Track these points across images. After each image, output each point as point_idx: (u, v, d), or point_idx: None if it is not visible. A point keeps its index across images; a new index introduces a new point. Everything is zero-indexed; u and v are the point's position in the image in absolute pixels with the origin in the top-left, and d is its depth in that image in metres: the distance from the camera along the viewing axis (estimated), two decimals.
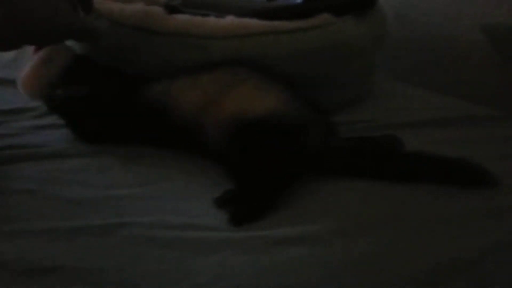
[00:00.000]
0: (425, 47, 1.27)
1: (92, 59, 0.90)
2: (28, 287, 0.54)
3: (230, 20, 0.93)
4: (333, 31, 0.93)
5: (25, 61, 1.21)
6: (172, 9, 1.17)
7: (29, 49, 1.23)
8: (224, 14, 0.99)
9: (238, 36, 0.89)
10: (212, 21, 0.92)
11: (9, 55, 1.25)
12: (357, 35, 0.96)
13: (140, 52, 0.89)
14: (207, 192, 0.71)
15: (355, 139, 0.81)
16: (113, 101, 0.84)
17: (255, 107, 0.75)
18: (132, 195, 0.71)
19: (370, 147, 0.79)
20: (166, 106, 0.81)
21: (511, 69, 1.08)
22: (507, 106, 1.08)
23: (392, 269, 0.57)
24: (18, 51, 1.27)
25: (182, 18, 0.92)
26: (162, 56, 0.89)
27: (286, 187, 0.71)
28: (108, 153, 0.82)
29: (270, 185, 0.70)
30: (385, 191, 0.72)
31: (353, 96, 1.02)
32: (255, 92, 0.78)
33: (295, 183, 0.72)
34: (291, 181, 0.72)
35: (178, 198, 0.71)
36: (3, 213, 0.66)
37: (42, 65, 0.89)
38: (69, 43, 0.92)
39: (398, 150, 0.81)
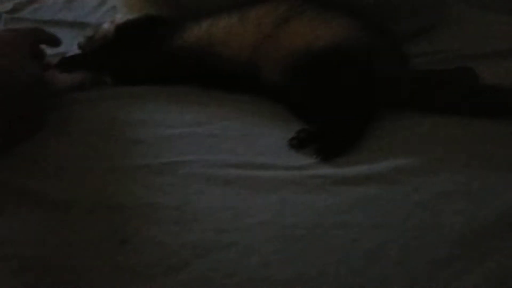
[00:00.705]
0: None
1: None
2: (94, 224, 0.55)
3: None
4: None
5: (82, 3, 1.23)
6: None
7: None
8: None
9: None
10: None
11: None
12: None
13: None
14: (264, 131, 0.69)
15: (427, 71, 0.75)
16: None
17: (318, 39, 0.70)
18: (191, 134, 0.70)
19: (442, 79, 0.73)
20: (209, 51, 0.77)
21: None
22: None
23: (471, 208, 0.53)
24: None
25: None
26: None
27: (365, 119, 0.68)
28: (160, 93, 0.81)
29: (349, 118, 0.67)
30: (455, 127, 0.67)
31: (425, 23, 0.93)
32: (315, 23, 0.72)
33: (373, 116, 0.69)
34: (368, 114, 0.69)
35: (236, 137, 0.69)
36: (72, 152, 0.67)
37: None
38: None
39: (471, 83, 0.74)
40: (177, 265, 0.50)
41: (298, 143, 0.66)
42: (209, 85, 0.79)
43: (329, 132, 0.66)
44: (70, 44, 1.02)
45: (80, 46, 0.88)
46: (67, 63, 0.83)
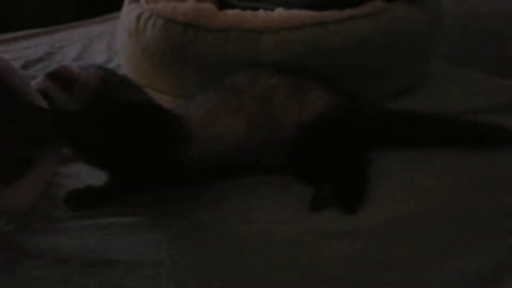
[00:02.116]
0: (485, 28, 1.20)
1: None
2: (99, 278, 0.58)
3: (280, 12, 0.93)
4: (384, 18, 0.91)
5: (88, 60, 1.30)
6: (224, 3, 1.21)
7: (92, 51, 1.30)
8: (273, 7, 1.00)
9: (289, 28, 0.89)
10: (262, 15, 0.93)
11: (72, 55, 1.32)
12: (409, 21, 0.93)
13: (192, 49, 0.91)
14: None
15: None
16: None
17: (307, 109, 0.77)
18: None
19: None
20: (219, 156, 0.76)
21: None
22: None
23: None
24: (82, 51, 1.35)
25: (232, 13, 0.94)
26: (215, 52, 0.91)
27: (367, 167, 0.76)
28: None
29: (356, 170, 0.75)
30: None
31: (406, 84, 0.99)
32: (297, 95, 0.78)
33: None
34: (367, 162, 0.77)
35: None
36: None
37: None
38: None
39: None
40: None
41: (321, 204, 0.71)
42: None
43: (345, 188, 0.73)
44: None
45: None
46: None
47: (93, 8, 1.69)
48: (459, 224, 0.67)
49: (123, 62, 1.10)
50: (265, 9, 0.97)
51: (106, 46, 1.34)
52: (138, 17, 0.98)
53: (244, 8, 0.99)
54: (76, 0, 2.03)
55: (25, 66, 1.23)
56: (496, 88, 1.03)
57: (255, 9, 0.98)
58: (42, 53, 1.30)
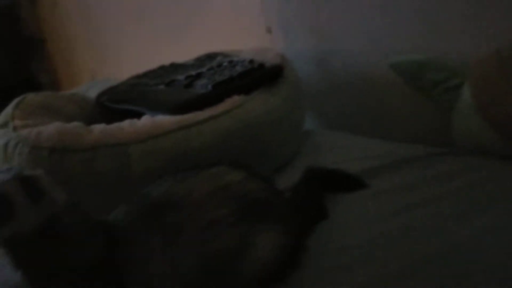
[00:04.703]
0: (348, 91, 1.31)
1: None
2: None
3: (144, 122, 0.97)
4: (243, 112, 0.97)
5: None
6: (101, 105, 1.23)
7: None
8: (143, 110, 1.04)
9: (154, 137, 0.92)
10: (127, 127, 0.96)
11: None
12: (267, 109, 1.00)
13: (60, 172, 0.92)
14: None
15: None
16: None
17: None
18: None
19: None
20: None
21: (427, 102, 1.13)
22: (439, 140, 1.11)
23: None
24: None
25: (98, 130, 0.95)
26: (84, 171, 0.91)
27: None
28: None
29: None
30: None
31: (280, 163, 1.05)
32: None
33: None
34: None
35: None
36: None
37: None
38: None
39: None
40: None
41: None
42: None
43: None
44: None
45: None
46: None
47: None
48: None
49: None
50: (132, 114, 1.00)
51: None
52: (5, 145, 0.97)
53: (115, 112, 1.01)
54: None
55: None
56: (368, 150, 1.10)
57: (124, 114, 1.01)
58: None
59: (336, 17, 1.27)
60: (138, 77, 1.31)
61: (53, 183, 0.67)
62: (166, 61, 1.36)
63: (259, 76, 1.04)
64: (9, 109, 1.08)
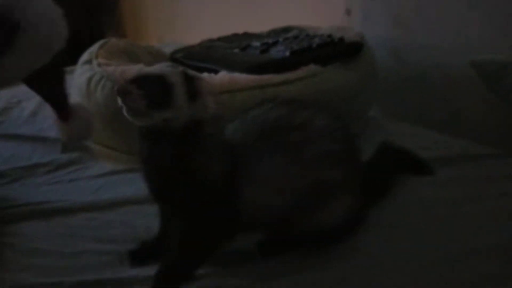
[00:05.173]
0: (421, 84, 1.30)
1: None
2: None
3: (221, 76, 1.00)
4: (318, 81, 0.98)
5: (44, 117, 1.33)
6: (175, 61, 1.28)
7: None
8: (220, 68, 1.07)
9: (229, 92, 0.95)
10: (205, 79, 0.99)
11: (29, 109, 1.35)
12: (342, 83, 1.01)
13: None
14: None
15: None
16: None
17: None
18: None
19: None
20: None
21: (503, 106, 1.10)
22: (503, 142, 1.09)
23: None
24: (39, 106, 1.38)
25: None
26: None
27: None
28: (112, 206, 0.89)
29: None
30: None
31: None
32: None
33: None
34: None
35: None
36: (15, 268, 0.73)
37: None
38: None
39: None
40: None
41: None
42: None
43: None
44: (29, 158, 1.11)
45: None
46: None
47: None
48: None
49: None
50: (209, 71, 1.04)
51: None
52: (89, 79, 1.03)
53: (189, 69, 1.05)
54: None
55: None
56: (430, 142, 1.10)
57: (200, 70, 1.04)
58: None
59: (421, 9, 1.26)
60: (212, 40, 1.35)
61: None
62: (237, 31, 1.38)
63: (338, 50, 1.05)
64: (94, 48, 1.14)
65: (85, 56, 1.13)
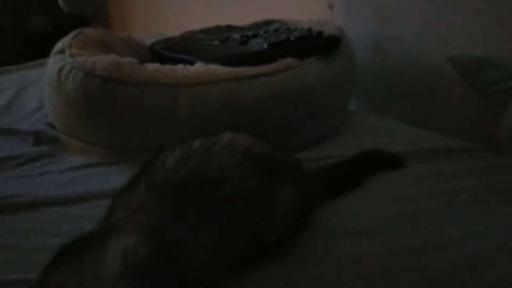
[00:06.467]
0: (402, 79, 1.29)
1: None
2: None
3: (197, 68, 0.97)
4: (294, 74, 0.97)
5: (20, 106, 1.30)
6: (154, 52, 1.25)
7: (25, 97, 1.31)
8: (196, 60, 1.05)
9: (204, 83, 0.93)
10: (180, 69, 0.97)
11: (3, 101, 1.32)
12: (319, 77, 0.99)
13: (111, 102, 0.94)
14: None
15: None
16: None
17: None
18: None
19: None
20: None
21: (479, 99, 1.10)
22: (482, 137, 1.09)
23: None
24: (14, 98, 1.35)
25: (151, 68, 0.97)
26: (133, 106, 0.93)
27: None
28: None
29: None
30: None
31: (319, 136, 1.04)
32: None
33: None
34: None
35: None
36: None
37: None
38: None
39: None
40: None
41: None
42: None
43: None
44: (2, 150, 1.08)
45: None
46: None
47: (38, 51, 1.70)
48: None
49: (48, 112, 1.11)
50: (185, 63, 1.01)
51: (39, 91, 1.34)
52: (60, 69, 1.00)
53: (167, 60, 1.03)
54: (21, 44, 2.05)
55: None
56: (408, 136, 1.10)
57: (175, 62, 1.02)
58: None
59: (401, 4, 1.25)
60: (193, 32, 1.33)
61: None
62: (224, 23, 1.36)
63: (316, 43, 1.04)
64: (68, 38, 1.11)
65: (58, 46, 1.10)
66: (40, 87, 1.35)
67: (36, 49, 1.84)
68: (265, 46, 1.01)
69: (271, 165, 0.68)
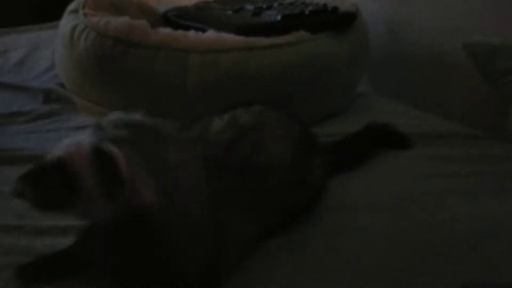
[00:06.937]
0: (415, 63, 1.28)
1: None
2: None
3: (209, 34, 0.97)
4: (306, 47, 0.96)
5: (31, 66, 1.30)
6: (167, 20, 1.25)
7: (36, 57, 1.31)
8: (208, 28, 1.04)
9: (214, 51, 0.93)
10: (192, 35, 0.97)
11: (15, 59, 1.33)
12: (331, 53, 0.99)
13: (122, 63, 0.94)
14: None
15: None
16: None
17: None
18: None
19: None
20: None
21: (491, 88, 1.09)
22: (487, 124, 1.08)
23: None
24: (26, 56, 1.36)
25: (163, 32, 0.97)
26: (143, 68, 0.93)
27: None
28: None
29: None
30: None
31: (329, 110, 1.04)
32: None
33: None
34: None
35: None
36: None
37: None
38: None
39: None
40: None
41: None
42: None
43: None
44: (10, 106, 1.09)
45: None
46: None
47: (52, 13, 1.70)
48: None
49: (59, 71, 1.12)
50: (197, 30, 1.01)
51: (51, 52, 1.35)
52: (73, 29, 1.00)
53: (179, 28, 1.03)
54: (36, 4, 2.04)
55: None
56: (417, 119, 1.09)
57: (188, 29, 1.02)
58: None
59: None
60: (207, 2, 1.32)
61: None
62: None
63: (331, 18, 1.03)
64: None
65: (72, 6, 1.10)
66: (52, 49, 1.36)
67: (49, 10, 1.85)
68: (279, 18, 1.00)
69: (309, 142, 0.76)
